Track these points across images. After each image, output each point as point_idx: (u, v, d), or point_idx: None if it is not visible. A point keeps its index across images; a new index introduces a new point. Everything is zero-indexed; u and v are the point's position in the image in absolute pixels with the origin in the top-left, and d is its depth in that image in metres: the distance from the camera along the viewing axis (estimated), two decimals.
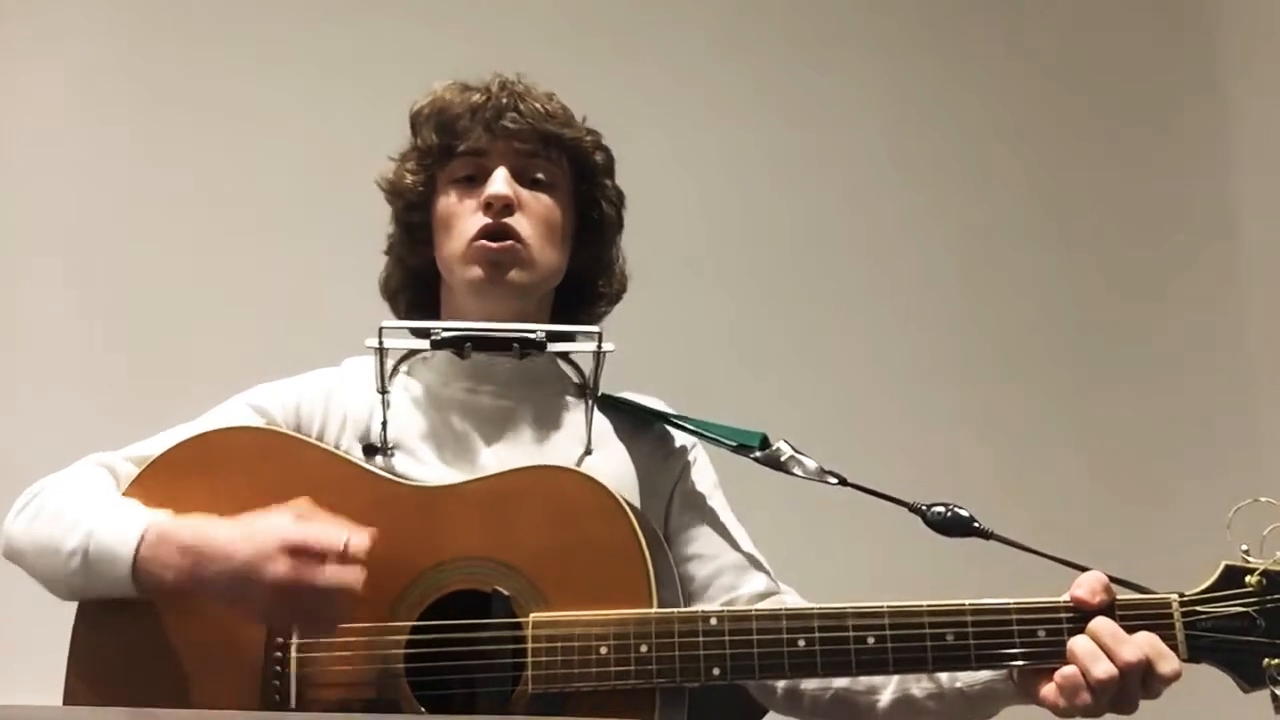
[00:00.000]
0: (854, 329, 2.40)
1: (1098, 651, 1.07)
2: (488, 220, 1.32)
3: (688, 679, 1.10)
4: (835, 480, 1.28)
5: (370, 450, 1.27)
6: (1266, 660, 1.08)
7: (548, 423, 1.35)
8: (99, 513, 1.14)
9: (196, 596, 1.09)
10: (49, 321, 2.19)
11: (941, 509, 1.22)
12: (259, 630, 1.11)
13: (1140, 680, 1.07)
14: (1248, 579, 1.10)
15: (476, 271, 1.33)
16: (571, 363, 1.42)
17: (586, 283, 1.46)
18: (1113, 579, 1.12)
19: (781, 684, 1.28)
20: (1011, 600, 1.11)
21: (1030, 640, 1.10)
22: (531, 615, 1.11)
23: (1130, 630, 1.08)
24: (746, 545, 1.38)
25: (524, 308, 1.36)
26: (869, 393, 2.36)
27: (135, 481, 1.20)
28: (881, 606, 1.11)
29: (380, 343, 1.25)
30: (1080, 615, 1.09)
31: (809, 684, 1.26)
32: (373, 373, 1.27)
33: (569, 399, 1.40)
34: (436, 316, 1.42)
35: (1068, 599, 1.10)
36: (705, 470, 1.43)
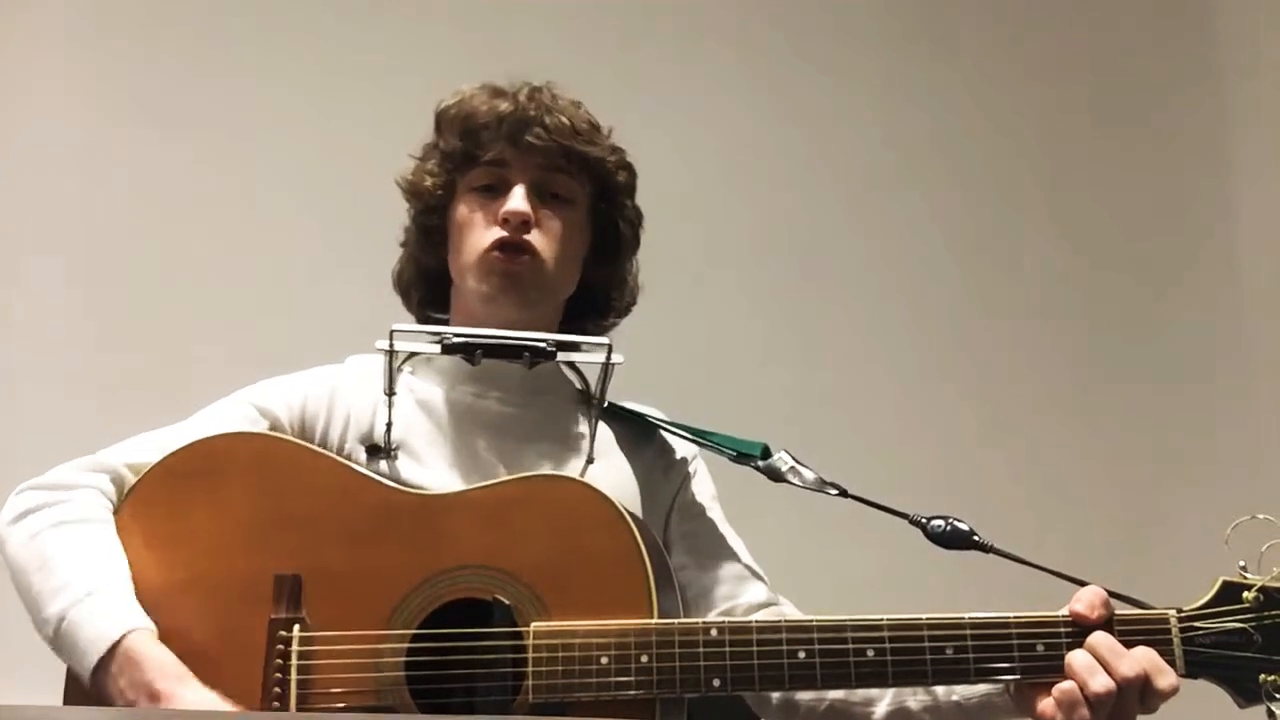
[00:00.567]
0: (853, 335, 2.40)
1: (1096, 666, 1.07)
2: (504, 234, 1.32)
3: (688, 690, 1.10)
4: (836, 491, 1.28)
5: (373, 451, 1.28)
6: (1263, 676, 1.08)
7: (552, 431, 1.36)
8: (85, 590, 1.10)
9: None
10: (49, 321, 2.19)
11: (941, 522, 1.22)
12: (260, 636, 1.11)
13: (1138, 695, 1.07)
14: (1245, 595, 1.10)
15: (490, 282, 1.33)
16: (578, 372, 1.42)
17: (598, 295, 1.46)
18: (1111, 594, 1.12)
19: (778, 695, 1.28)
20: (1011, 614, 1.11)
21: (1029, 654, 1.10)
22: (532, 624, 1.11)
23: (1128, 645, 1.08)
24: (745, 557, 1.38)
25: (534, 318, 1.36)
26: (868, 402, 2.36)
27: (134, 490, 1.20)
28: (881, 619, 1.11)
29: (391, 345, 1.25)
30: (1079, 630, 1.10)
31: (805, 696, 1.26)
32: (376, 372, 1.28)
33: (574, 408, 1.40)
34: (447, 314, 1.43)
35: (1067, 613, 1.11)
36: (705, 482, 1.44)
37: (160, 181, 2.27)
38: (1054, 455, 2.36)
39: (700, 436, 1.38)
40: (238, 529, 1.17)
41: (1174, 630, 1.10)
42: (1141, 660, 1.07)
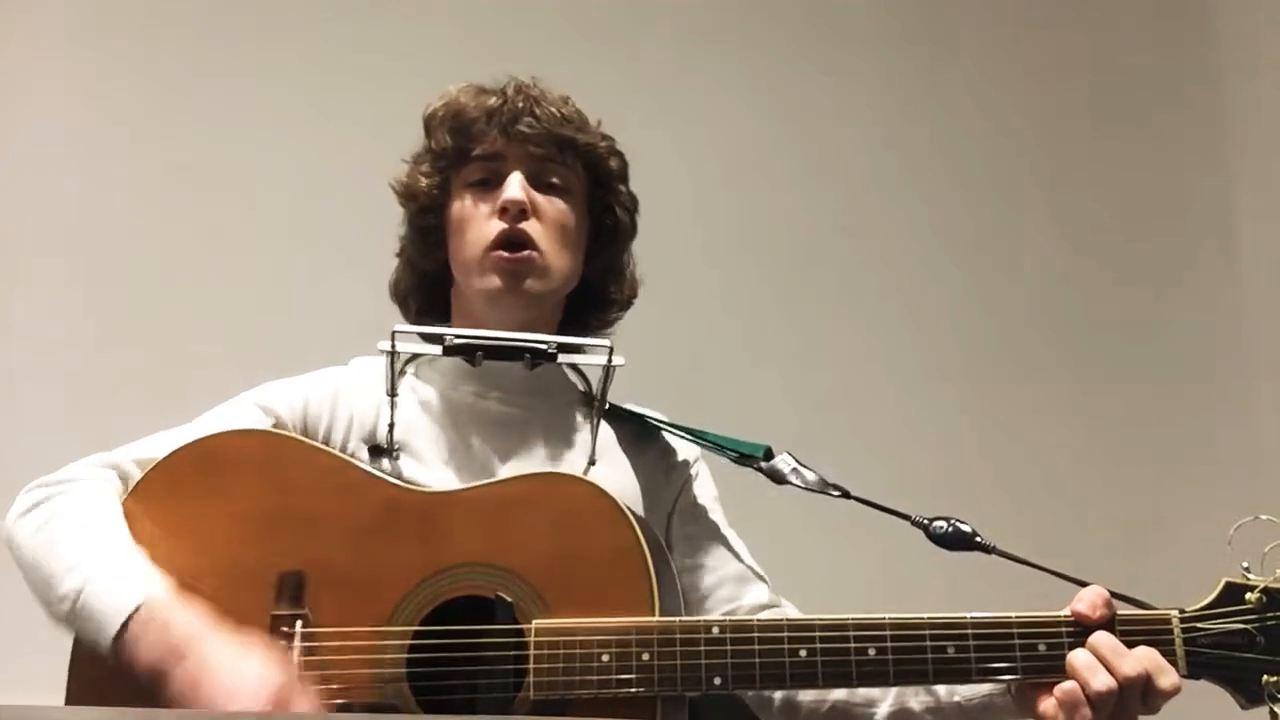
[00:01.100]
0: (855, 336, 2.40)
1: (1097, 665, 1.07)
2: (503, 226, 1.32)
3: (689, 688, 1.10)
4: (838, 493, 1.28)
5: (376, 451, 1.28)
6: (1265, 677, 1.08)
7: (553, 432, 1.36)
8: (99, 564, 1.10)
9: (161, 687, 1.04)
10: (49, 321, 2.19)
11: (943, 523, 1.22)
12: (262, 633, 1.11)
13: (1139, 695, 1.07)
14: (1248, 596, 1.10)
15: (494, 281, 1.33)
16: (580, 373, 1.42)
17: (598, 289, 1.46)
18: (1113, 594, 1.13)
19: (779, 695, 1.28)
20: (1013, 614, 1.11)
21: (1031, 654, 1.10)
22: (534, 621, 1.11)
23: (1130, 645, 1.08)
24: (747, 558, 1.38)
25: (537, 315, 1.36)
26: (870, 403, 2.36)
27: (138, 486, 1.20)
28: (883, 618, 1.11)
29: (393, 346, 1.25)
30: (1081, 630, 1.10)
31: (806, 696, 1.26)
32: (379, 373, 1.28)
33: (576, 409, 1.40)
34: (447, 319, 1.42)
35: (1069, 613, 1.11)
36: (707, 484, 1.44)
37: (160, 181, 2.27)
38: (1055, 456, 2.36)
39: (702, 438, 1.38)
40: (241, 525, 1.17)
41: (1176, 631, 1.10)
42: (1143, 659, 1.07)
